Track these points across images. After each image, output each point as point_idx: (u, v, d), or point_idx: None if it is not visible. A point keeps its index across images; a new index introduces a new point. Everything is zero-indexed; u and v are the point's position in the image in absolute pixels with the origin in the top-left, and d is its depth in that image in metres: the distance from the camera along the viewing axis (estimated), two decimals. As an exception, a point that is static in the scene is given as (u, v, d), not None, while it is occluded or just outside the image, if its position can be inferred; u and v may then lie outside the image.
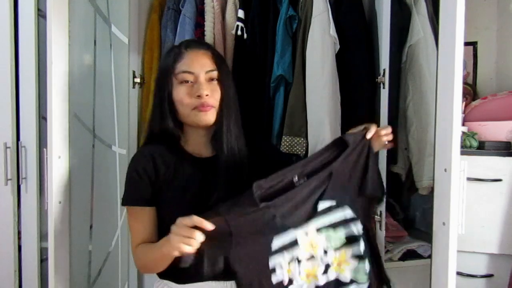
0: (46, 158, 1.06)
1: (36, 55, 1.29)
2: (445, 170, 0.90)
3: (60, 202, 1.07)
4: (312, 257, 0.90)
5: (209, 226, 0.79)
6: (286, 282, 0.87)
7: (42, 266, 1.33)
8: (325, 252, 0.90)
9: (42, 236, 1.31)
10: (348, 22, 1.48)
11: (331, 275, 0.91)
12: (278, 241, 0.87)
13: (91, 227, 1.34)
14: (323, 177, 0.92)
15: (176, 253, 0.81)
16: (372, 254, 0.96)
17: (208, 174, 0.97)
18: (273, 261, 0.86)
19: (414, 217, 1.81)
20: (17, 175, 1.30)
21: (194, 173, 0.97)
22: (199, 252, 0.82)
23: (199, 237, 0.78)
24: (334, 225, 0.91)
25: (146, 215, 0.95)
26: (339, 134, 1.44)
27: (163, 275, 0.97)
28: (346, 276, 0.92)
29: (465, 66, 1.89)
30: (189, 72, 0.95)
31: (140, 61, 1.62)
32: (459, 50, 0.87)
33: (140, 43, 1.61)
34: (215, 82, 0.97)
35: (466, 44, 1.83)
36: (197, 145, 1.02)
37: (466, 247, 1.40)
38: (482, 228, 1.40)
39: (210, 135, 1.01)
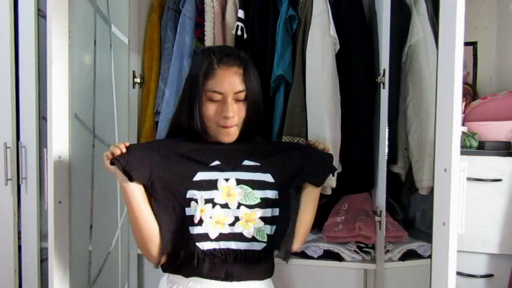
0: (46, 158, 1.06)
1: (36, 55, 1.29)
2: (445, 170, 0.90)
3: (60, 202, 1.07)
4: (226, 205, 0.98)
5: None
6: (196, 220, 0.95)
7: (42, 266, 1.33)
8: (239, 206, 0.98)
9: (42, 236, 1.31)
10: (348, 22, 1.48)
11: (237, 229, 0.98)
12: (200, 175, 0.98)
13: (91, 227, 1.34)
14: (253, 143, 1.07)
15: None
16: (284, 226, 1.01)
17: None
18: (191, 193, 0.96)
19: (414, 217, 1.81)
20: (17, 175, 1.30)
21: None
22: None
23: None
24: (253, 184, 0.99)
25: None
26: (339, 134, 1.44)
27: (166, 268, 1.03)
28: (249, 232, 0.98)
29: (465, 66, 1.89)
30: (219, 93, 0.98)
31: (140, 61, 1.62)
32: (459, 50, 0.86)
33: (140, 43, 1.61)
34: (242, 102, 1.01)
35: (466, 44, 1.84)
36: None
37: (466, 247, 1.40)
38: (482, 228, 1.40)
39: None
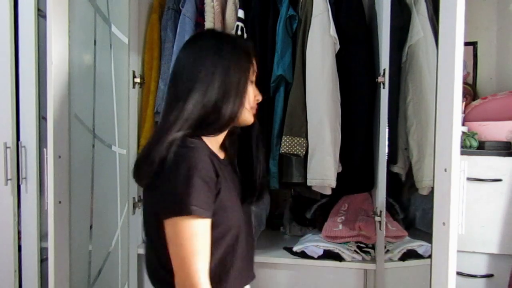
0: (46, 158, 1.06)
1: (36, 55, 1.29)
2: (445, 170, 0.90)
3: (60, 202, 1.07)
4: None
5: None
6: None
7: (42, 266, 1.33)
8: None
9: (42, 236, 1.31)
10: (348, 22, 1.48)
11: None
12: None
13: (91, 227, 1.34)
14: None
15: None
16: None
17: (232, 175, 1.00)
18: None
19: (414, 217, 1.81)
20: (17, 175, 1.30)
21: (232, 173, 1.00)
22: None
23: None
24: None
25: (209, 230, 0.81)
26: (339, 134, 1.44)
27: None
28: None
29: (465, 66, 1.89)
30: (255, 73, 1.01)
31: (140, 61, 1.62)
32: (459, 50, 0.86)
33: (140, 43, 1.61)
34: None
35: (466, 44, 1.84)
36: (216, 146, 1.01)
37: (466, 247, 1.40)
38: (482, 228, 1.40)
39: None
